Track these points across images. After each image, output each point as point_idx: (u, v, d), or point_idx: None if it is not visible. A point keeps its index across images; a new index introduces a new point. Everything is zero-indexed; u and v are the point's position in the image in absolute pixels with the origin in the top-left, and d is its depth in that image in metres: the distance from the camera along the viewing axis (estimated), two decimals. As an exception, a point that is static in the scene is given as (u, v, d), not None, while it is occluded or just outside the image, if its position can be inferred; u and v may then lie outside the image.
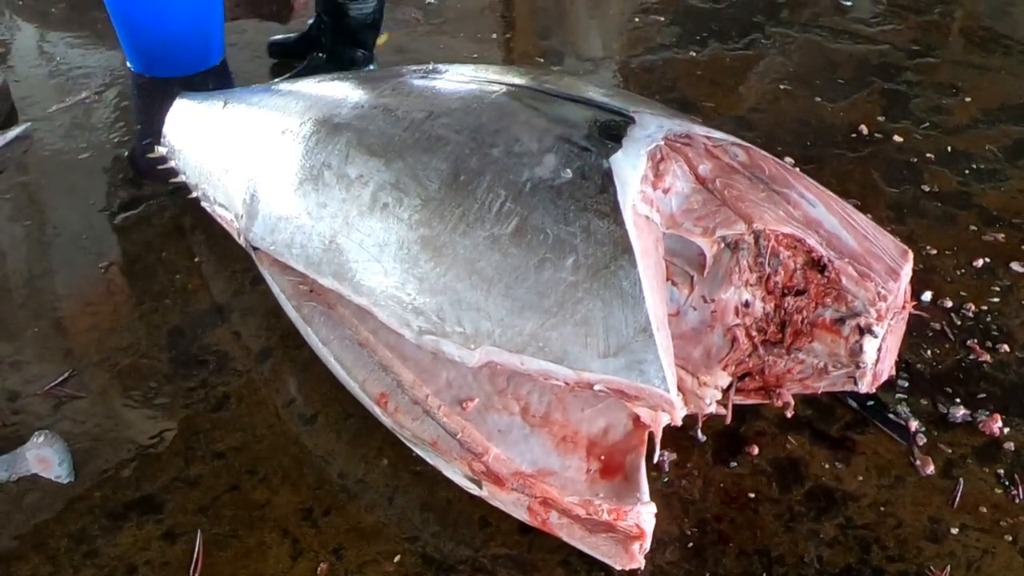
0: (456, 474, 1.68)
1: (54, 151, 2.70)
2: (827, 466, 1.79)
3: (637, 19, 3.42)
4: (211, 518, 1.72)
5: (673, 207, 1.68)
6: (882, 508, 1.72)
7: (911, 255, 1.72)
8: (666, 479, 1.76)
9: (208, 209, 2.20)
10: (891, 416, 1.87)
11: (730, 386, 1.75)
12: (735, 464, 1.79)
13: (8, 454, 1.79)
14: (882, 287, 1.64)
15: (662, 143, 1.70)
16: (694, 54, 3.17)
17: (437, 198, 1.69)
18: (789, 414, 1.79)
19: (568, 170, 1.65)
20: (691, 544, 1.66)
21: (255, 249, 1.96)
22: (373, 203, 1.75)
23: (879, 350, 1.67)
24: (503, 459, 1.61)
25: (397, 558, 1.65)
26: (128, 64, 3.06)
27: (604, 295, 1.55)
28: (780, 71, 3.05)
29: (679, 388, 1.64)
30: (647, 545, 1.57)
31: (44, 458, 1.77)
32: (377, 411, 1.75)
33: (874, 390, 1.74)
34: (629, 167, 1.65)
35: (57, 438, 1.79)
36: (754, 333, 1.72)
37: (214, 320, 2.13)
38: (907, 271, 1.70)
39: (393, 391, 1.72)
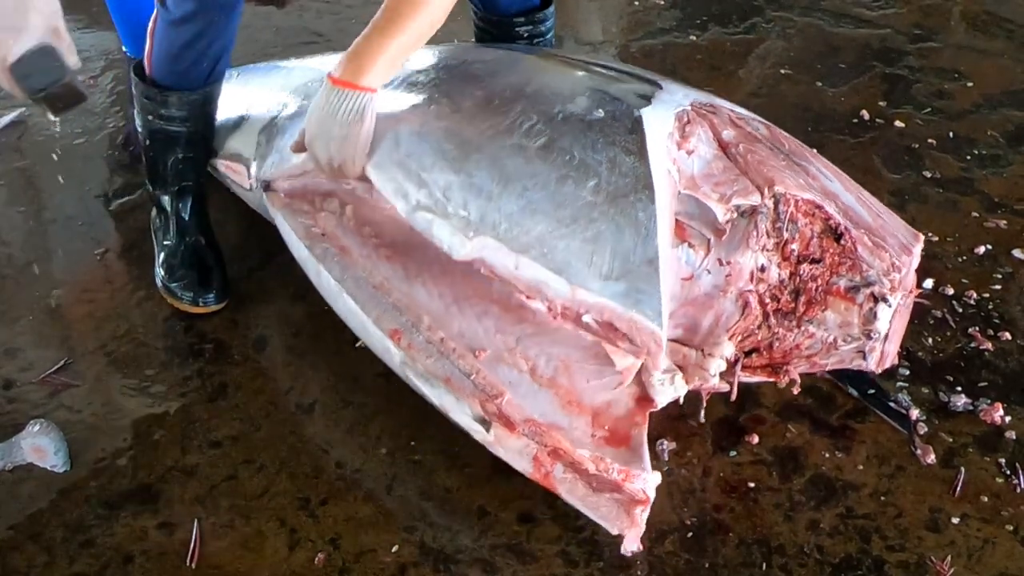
0: (465, 414, 1.65)
1: (49, 136, 2.67)
2: (827, 455, 1.78)
3: (637, 2, 3.40)
4: (208, 507, 1.71)
5: (694, 169, 1.70)
6: (883, 497, 1.71)
7: (922, 238, 1.74)
8: (665, 468, 1.75)
9: (215, 167, 2.18)
10: (892, 404, 1.86)
11: (736, 361, 1.74)
12: (734, 453, 1.79)
13: (3, 443, 1.78)
14: (896, 259, 1.65)
15: (688, 107, 1.73)
16: (694, 38, 3.15)
17: (469, 112, 1.72)
18: (796, 391, 1.78)
19: (600, 111, 1.70)
20: (690, 534, 1.65)
21: (267, 190, 1.94)
22: (399, 104, 1.78)
23: (891, 322, 1.68)
24: (516, 405, 1.60)
25: (395, 548, 1.64)
26: (124, 48, 3.03)
27: (619, 221, 1.59)
28: (781, 55, 3.03)
29: (682, 364, 1.67)
30: (646, 514, 1.56)
31: (40, 447, 1.76)
32: (390, 346, 1.71)
33: (880, 371, 1.76)
34: (658, 120, 1.69)
35: (53, 427, 1.78)
36: (767, 300, 1.72)
37: (211, 307, 2.12)
38: (918, 251, 1.71)
39: (407, 329, 1.71)
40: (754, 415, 1.85)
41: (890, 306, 1.67)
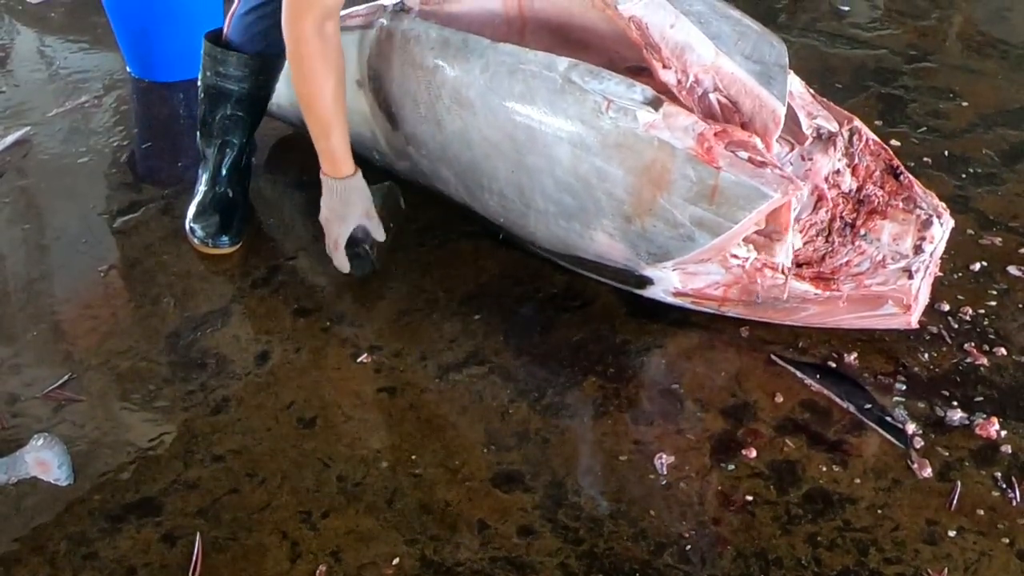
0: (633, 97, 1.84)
1: (53, 155, 2.70)
2: (824, 469, 1.79)
3: (635, 24, 3.43)
4: (210, 520, 1.72)
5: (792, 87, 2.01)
6: (879, 511, 1.72)
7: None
8: (664, 481, 1.77)
9: None
10: (888, 419, 1.88)
11: (789, 268, 1.93)
12: (732, 467, 1.80)
13: (7, 457, 1.79)
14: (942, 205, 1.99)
15: None
16: (692, 59, 3.17)
17: None
18: (842, 304, 1.93)
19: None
20: (689, 547, 1.67)
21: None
22: None
23: (922, 280, 1.93)
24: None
25: (396, 561, 1.65)
26: (128, 68, 3.06)
27: (764, 37, 1.98)
28: (778, 76, 3.05)
29: (755, 246, 1.92)
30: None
31: (43, 461, 1.77)
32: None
33: (915, 325, 1.97)
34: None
35: (56, 441, 1.79)
36: (838, 202, 1.98)
37: (213, 323, 2.13)
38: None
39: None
40: (752, 429, 1.86)
41: (943, 226, 1.93)
